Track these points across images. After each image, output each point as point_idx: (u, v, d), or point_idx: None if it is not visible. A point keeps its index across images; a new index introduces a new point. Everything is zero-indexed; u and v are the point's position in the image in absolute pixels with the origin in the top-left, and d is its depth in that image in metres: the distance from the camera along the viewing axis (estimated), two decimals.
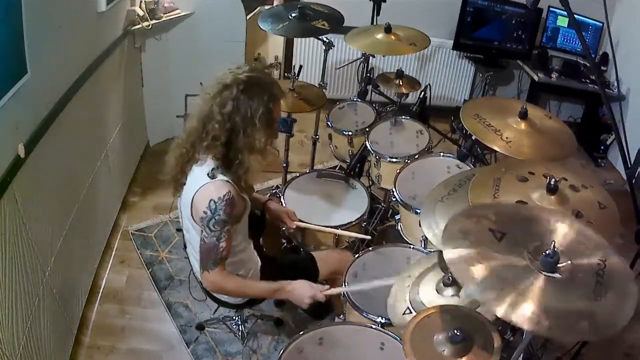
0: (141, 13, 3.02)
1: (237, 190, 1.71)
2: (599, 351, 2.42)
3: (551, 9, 3.95)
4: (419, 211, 2.00)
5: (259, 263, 1.98)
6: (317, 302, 1.79)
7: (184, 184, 1.79)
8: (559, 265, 1.13)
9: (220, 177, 1.69)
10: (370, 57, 3.09)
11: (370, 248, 2.04)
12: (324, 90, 2.89)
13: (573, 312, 1.05)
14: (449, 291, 1.59)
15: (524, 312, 1.03)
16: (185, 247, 2.03)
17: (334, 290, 1.82)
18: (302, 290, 1.78)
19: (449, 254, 1.16)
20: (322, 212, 2.36)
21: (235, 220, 1.74)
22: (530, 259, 1.16)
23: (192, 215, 1.74)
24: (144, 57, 3.33)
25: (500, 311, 1.03)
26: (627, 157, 1.74)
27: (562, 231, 1.24)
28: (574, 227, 1.26)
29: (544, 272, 1.11)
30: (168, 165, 1.83)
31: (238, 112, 1.65)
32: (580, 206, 1.47)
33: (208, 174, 1.69)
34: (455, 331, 1.33)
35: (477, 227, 1.24)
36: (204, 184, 1.68)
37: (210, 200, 1.66)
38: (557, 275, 1.11)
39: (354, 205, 2.40)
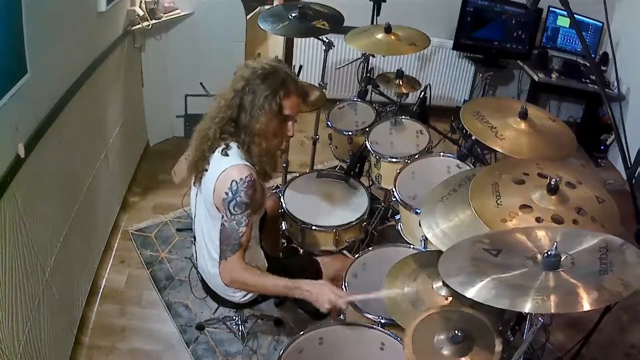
0: (141, 13, 3.03)
1: (258, 178, 1.73)
2: (599, 351, 2.42)
3: (551, 9, 3.95)
4: (419, 211, 2.00)
5: (266, 265, 1.95)
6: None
7: (206, 171, 1.78)
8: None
9: (243, 161, 1.70)
10: (370, 57, 3.09)
11: (370, 248, 2.04)
12: (324, 90, 2.89)
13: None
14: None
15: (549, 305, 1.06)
16: (194, 239, 1.99)
17: (357, 297, 1.73)
18: (323, 296, 1.66)
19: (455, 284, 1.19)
20: (322, 212, 2.36)
21: (254, 207, 1.73)
22: (532, 264, 1.18)
23: (213, 200, 1.73)
24: (144, 57, 3.33)
25: (527, 309, 1.06)
26: (627, 157, 1.74)
27: (548, 234, 1.27)
28: (556, 229, 1.32)
29: (549, 271, 1.14)
30: (190, 149, 1.84)
31: (247, 91, 1.70)
32: (580, 203, 1.46)
33: (222, 152, 1.71)
34: (456, 331, 1.33)
35: (472, 249, 1.28)
36: (226, 167, 1.69)
37: (232, 180, 1.66)
38: (561, 270, 1.15)
39: (354, 205, 2.40)
